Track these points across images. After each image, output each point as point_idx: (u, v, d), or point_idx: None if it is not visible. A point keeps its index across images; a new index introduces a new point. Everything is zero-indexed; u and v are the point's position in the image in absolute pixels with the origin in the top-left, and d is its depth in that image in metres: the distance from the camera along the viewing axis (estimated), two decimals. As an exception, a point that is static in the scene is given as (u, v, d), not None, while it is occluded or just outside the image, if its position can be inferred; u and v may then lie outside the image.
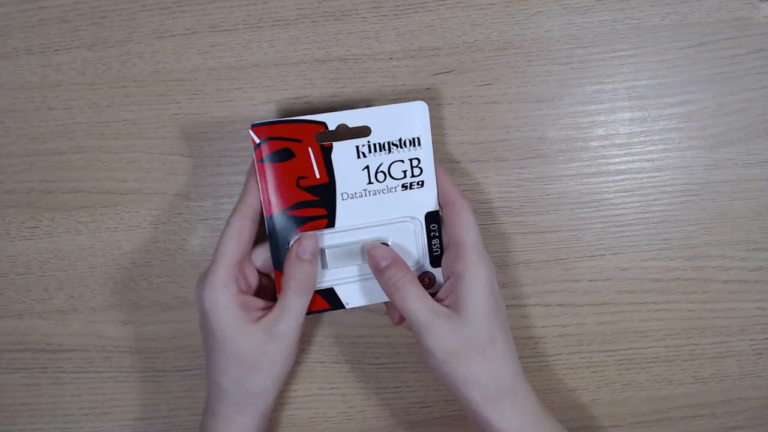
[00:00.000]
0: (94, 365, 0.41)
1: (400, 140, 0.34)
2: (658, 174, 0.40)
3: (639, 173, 0.40)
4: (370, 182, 0.35)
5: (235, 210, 0.34)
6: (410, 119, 0.34)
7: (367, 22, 0.39)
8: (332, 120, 0.34)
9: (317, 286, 0.35)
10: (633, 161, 0.40)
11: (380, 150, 0.34)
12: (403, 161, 0.35)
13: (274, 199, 0.34)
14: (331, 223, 0.35)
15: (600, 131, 0.40)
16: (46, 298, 0.40)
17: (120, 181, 0.39)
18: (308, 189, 0.34)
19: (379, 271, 0.34)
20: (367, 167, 0.34)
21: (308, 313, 0.34)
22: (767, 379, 0.41)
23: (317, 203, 0.34)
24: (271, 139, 0.33)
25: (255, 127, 0.33)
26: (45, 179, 0.39)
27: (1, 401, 0.41)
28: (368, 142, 0.34)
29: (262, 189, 0.34)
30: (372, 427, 0.41)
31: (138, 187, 0.40)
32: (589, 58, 0.39)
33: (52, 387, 0.41)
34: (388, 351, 0.41)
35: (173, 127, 0.39)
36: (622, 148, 0.40)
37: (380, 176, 0.35)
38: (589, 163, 0.40)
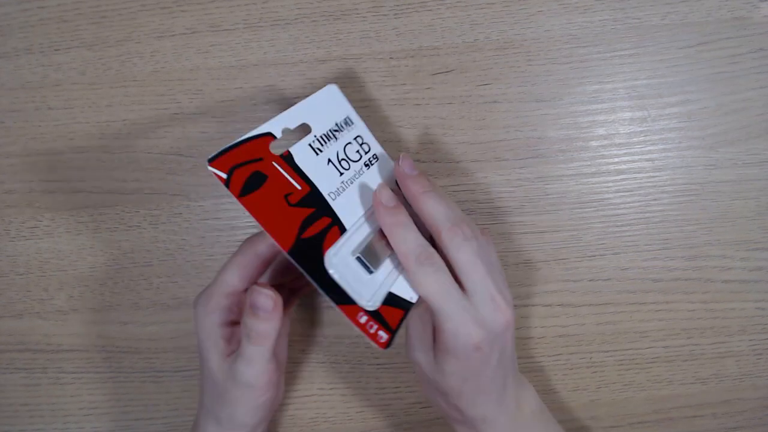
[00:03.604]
0: (94, 365, 0.41)
1: (336, 124, 0.34)
2: (658, 174, 0.40)
3: (639, 173, 0.40)
4: (340, 173, 0.33)
5: (255, 239, 0.33)
6: (330, 104, 0.34)
7: (367, 22, 0.39)
8: (274, 127, 0.32)
9: (376, 301, 0.31)
10: (633, 161, 0.40)
11: (328, 140, 0.34)
12: (350, 143, 0.34)
13: (281, 232, 0.31)
14: (342, 227, 0.33)
15: (600, 131, 0.40)
16: (46, 298, 0.40)
17: (120, 181, 0.39)
18: (300, 204, 0.32)
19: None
20: (330, 160, 0.33)
21: (395, 329, 0.32)
22: (767, 379, 0.41)
23: (318, 214, 0.32)
24: (235, 167, 0.30)
25: (212, 162, 0.30)
26: (45, 179, 0.39)
27: (1, 401, 0.41)
28: (314, 136, 0.33)
29: (265, 227, 0.30)
30: (372, 427, 0.41)
31: (138, 187, 0.40)
32: (589, 58, 0.39)
33: (52, 387, 0.41)
34: (388, 351, 0.41)
35: (173, 127, 0.39)
36: (622, 147, 0.40)
37: (344, 164, 0.34)
38: (589, 163, 0.40)
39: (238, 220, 0.40)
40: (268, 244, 0.32)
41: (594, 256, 0.41)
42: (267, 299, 0.30)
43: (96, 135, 0.39)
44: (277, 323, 0.31)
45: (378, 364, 0.41)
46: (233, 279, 0.32)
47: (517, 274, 0.40)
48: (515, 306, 0.41)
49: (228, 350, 0.33)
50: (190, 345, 0.41)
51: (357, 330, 0.31)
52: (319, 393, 0.41)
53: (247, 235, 0.36)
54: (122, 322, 0.41)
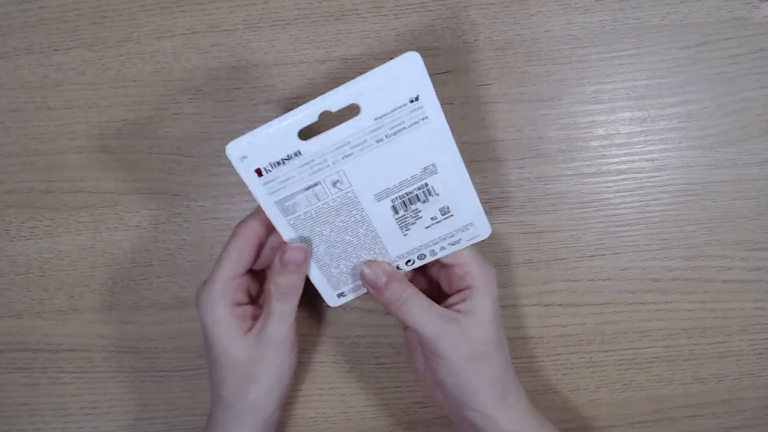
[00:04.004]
0: (94, 365, 0.41)
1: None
2: (658, 174, 0.40)
3: (639, 173, 0.40)
4: None
5: (246, 221, 0.34)
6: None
7: (367, 22, 0.39)
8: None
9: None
10: (633, 161, 0.40)
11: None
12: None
13: None
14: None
15: (600, 131, 0.40)
16: (46, 298, 0.40)
17: (120, 181, 0.39)
18: None
19: (377, 290, 0.33)
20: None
21: None
22: (767, 379, 0.41)
23: None
24: None
25: None
26: (45, 179, 0.39)
27: (1, 401, 0.41)
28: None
29: None
30: (372, 427, 0.41)
31: (138, 187, 0.40)
32: (588, 58, 0.39)
33: (52, 387, 0.41)
34: (388, 351, 0.41)
35: (173, 127, 0.39)
36: (622, 147, 0.40)
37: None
38: (589, 163, 0.40)
39: (238, 220, 0.40)
40: (260, 221, 0.33)
41: (594, 256, 0.41)
42: (298, 252, 0.32)
43: (96, 135, 0.39)
44: (304, 275, 0.33)
45: (378, 364, 0.41)
46: (232, 261, 0.33)
47: (517, 274, 0.41)
48: (515, 306, 0.41)
49: (245, 327, 0.33)
50: (190, 345, 0.41)
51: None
52: (319, 393, 0.41)
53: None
54: (122, 322, 0.41)
